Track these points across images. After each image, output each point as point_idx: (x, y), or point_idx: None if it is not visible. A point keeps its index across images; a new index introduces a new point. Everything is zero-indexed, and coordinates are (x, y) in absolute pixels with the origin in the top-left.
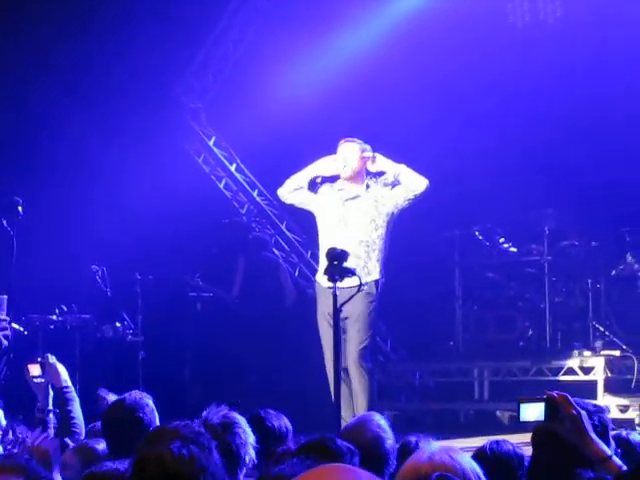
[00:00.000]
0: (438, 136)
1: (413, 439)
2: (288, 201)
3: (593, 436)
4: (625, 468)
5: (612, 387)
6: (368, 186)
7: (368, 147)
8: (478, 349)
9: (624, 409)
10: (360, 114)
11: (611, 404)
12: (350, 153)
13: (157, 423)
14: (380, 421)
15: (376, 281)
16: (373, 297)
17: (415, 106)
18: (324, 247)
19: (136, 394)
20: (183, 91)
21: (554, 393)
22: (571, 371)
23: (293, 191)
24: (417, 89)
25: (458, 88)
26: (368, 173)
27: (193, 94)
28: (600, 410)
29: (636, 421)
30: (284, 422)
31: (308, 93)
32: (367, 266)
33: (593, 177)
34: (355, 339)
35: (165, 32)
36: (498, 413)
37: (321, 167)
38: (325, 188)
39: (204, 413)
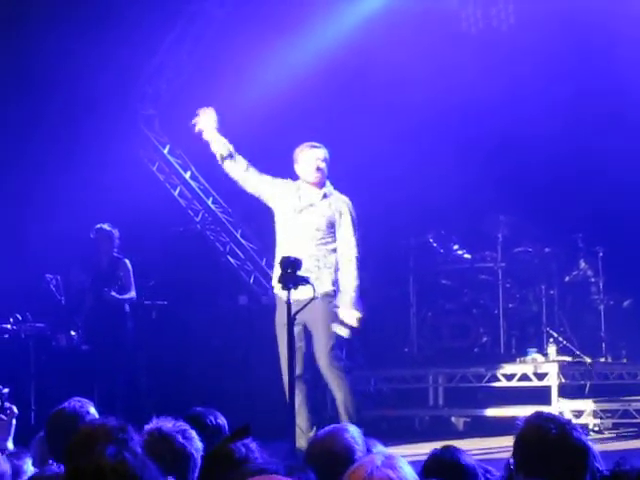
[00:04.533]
0: (391, 143)
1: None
2: (245, 187)
3: None
4: None
5: (566, 392)
6: (325, 195)
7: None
8: (433, 355)
9: (578, 414)
10: (315, 121)
11: (565, 409)
12: (304, 161)
13: None
14: (354, 433)
15: (332, 291)
16: (331, 299)
17: (370, 112)
18: (278, 255)
19: (76, 402)
20: (137, 98)
21: None
22: (525, 377)
23: (243, 172)
24: (372, 95)
25: (412, 95)
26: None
27: (147, 101)
28: None
29: (590, 426)
30: (221, 419)
31: (264, 100)
32: (320, 277)
33: (546, 183)
34: (321, 342)
35: (119, 39)
36: (453, 419)
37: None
38: (283, 186)
39: (155, 421)
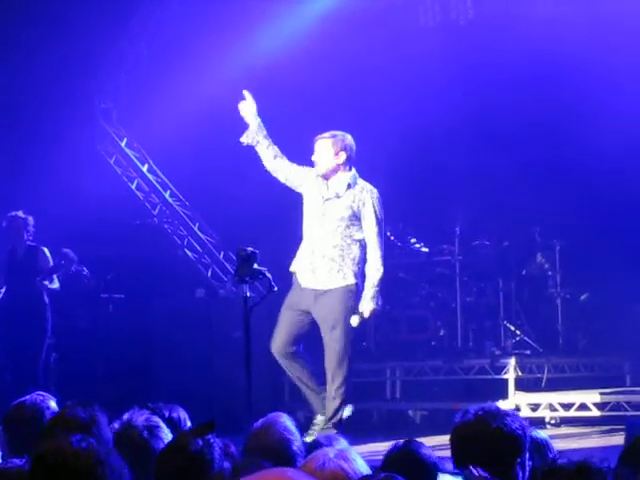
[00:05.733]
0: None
1: (323, 440)
2: (276, 174)
3: None
4: None
5: (523, 386)
6: (350, 185)
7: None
8: (390, 349)
9: (535, 407)
10: (272, 115)
11: (522, 403)
12: (321, 151)
13: None
14: (287, 422)
15: (354, 284)
16: (351, 293)
17: (327, 106)
18: (303, 242)
19: (37, 396)
20: (95, 91)
21: (475, 472)
22: (483, 370)
23: (273, 160)
24: (330, 90)
25: (369, 89)
26: (349, 164)
27: (105, 94)
28: None
29: (546, 419)
30: (180, 413)
31: (222, 93)
32: (342, 269)
33: (503, 177)
34: (332, 337)
35: (78, 32)
36: (410, 412)
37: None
38: (309, 175)
39: (126, 415)
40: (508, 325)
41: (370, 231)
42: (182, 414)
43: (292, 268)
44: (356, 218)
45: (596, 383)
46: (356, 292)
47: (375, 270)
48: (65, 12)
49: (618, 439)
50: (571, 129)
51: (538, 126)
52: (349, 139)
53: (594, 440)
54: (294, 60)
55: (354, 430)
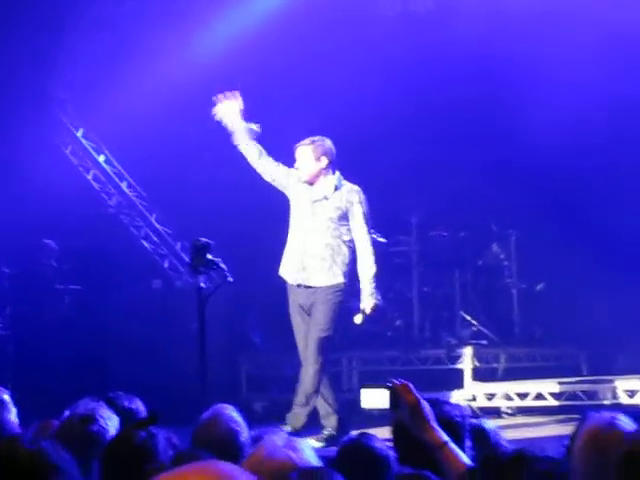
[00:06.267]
0: (303, 127)
1: (259, 431)
2: (263, 175)
3: (432, 424)
4: (468, 461)
5: (479, 376)
6: (337, 187)
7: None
8: (347, 339)
9: (490, 397)
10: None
11: (478, 392)
12: (302, 158)
13: (14, 420)
14: (233, 414)
15: (343, 284)
16: (340, 292)
17: (283, 97)
18: (290, 243)
19: None
20: (50, 82)
21: (396, 381)
22: (439, 360)
23: (257, 159)
24: (288, 80)
25: (326, 77)
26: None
27: (61, 85)
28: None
29: (502, 409)
30: (135, 404)
31: (179, 82)
32: (332, 268)
33: (460, 168)
34: (312, 331)
35: (33, 23)
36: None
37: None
38: (294, 178)
39: (73, 405)
40: (464, 315)
41: (360, 229)
42: (139, 405)
43: (281, 272)
44: (345, 219)
45: (552, 373)
46: (344, 291)
47: (368, 267)
48: (19, 3)
49: (573, 428)
50: (527, 119)
51: (490, 118)
52: (328, 143)
53: (550, 429)
54: (250, 48)
55: (310, 421)
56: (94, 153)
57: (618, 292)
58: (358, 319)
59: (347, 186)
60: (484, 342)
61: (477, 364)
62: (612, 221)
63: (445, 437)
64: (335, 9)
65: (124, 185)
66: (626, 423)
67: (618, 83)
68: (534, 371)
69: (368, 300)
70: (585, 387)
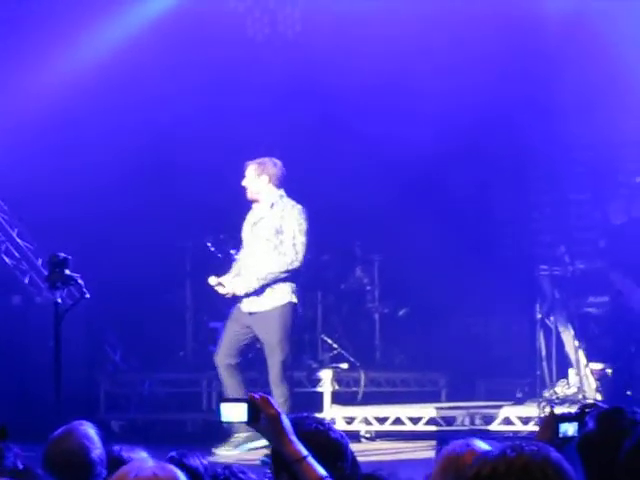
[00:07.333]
0: (168, 143)
1: (117, 448)
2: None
3: (291, 437)
4: (325, 473)
5: (339, 399)
6: (272, 205)
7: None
8: (207, 360)
9: (350, 421)
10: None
11: (337, 416)
12: (248, 177)
13: None
14: (89, 430)
15: (288, 303)
16: (287, 312)
17: (152, 113)
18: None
19: None
20: None
21: (255, 395)
22: (300, 383)
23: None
24: (157, 100)
25: (197, 101)
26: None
27: None
28: None
29: (361, 433)
30: None
31: (51, 92)
32: (275, 288)
33: (324, 190)
34: (274, 357)
35: None
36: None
37: None
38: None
39: None
40: (326, 338)
41: (288, 242)
42: None
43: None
44: (282, 235)
45: (412, 398)
46: (292, 310)
47: (269, 272)
48: None
49: (430, 453)
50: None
51: (347, 140)
52: (271, 163)
53: (407, 454)
54: (132, 62)
55: (168, 440)
56: None
57: (480, 319)
58: (213, 280)
59: (284, 202)
60: (345, 366)
61: (337, 387)
62: (476, 248)
63: (305, 451)
64: (204, 34)
65: None
66: (482, 447)
67: (476, 97)
68: (394, 396)
69: (239, 283)
70: (443, 413)
